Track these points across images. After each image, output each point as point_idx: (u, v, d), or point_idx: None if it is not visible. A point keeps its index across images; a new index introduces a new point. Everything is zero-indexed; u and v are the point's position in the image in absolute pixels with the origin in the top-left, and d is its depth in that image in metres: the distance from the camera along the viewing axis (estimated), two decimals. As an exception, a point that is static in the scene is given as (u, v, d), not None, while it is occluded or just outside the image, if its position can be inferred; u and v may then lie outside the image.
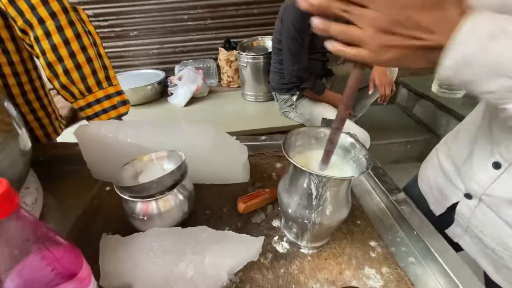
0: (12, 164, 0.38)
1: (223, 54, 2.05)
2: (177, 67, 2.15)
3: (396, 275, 0.41)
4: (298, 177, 0.38)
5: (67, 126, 0.83)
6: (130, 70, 2.23)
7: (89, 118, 0.59)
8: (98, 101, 0.57)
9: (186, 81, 1.99)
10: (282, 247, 0.45)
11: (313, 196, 0.36)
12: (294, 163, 0.35)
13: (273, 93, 1.58)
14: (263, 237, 0.43)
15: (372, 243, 0.47)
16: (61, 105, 1.01)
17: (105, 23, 2.04)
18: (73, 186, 0.58)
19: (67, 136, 0.75)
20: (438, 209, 0.52)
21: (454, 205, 0.47)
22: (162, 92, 2.10)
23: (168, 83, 2.08)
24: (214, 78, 2.29)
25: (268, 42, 1.91)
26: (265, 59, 1.72)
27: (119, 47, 2.14)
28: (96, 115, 0.58)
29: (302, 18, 1.11)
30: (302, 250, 0.44)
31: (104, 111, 0.58)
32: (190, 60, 2.22)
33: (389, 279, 0.41)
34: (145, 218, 0.42)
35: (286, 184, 0.41)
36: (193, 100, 1.98)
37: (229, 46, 2.04)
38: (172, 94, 2.01)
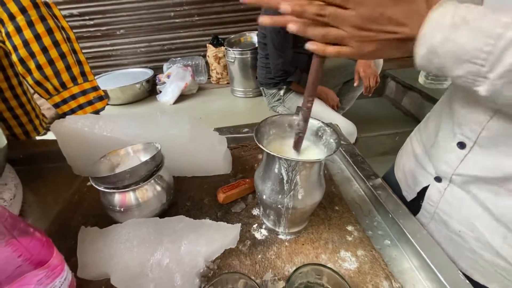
0: None
1: (211, 50, 2.04)
2: (165, 65, 2.14)
3: (371, 257, 0.42)
4: (270, 164, 0.38)
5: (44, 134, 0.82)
6: (118, 69, 2.22)
7: (65, 114, 0.58)
8: (73, 97, 0.57)
9: (174, 78, 1.98)
10: (260, 234, 0.46)
11: (285, 181, 0.37)
12: (264, 149, 0.35)
13: (261, 88, 1.58)
14: (240, 224, 0.43)
15: (349, 228, 0.48)
16: (48, 106, 0.99)
17: (91, 22, 2.01)
18: (54, 183, 0.58)
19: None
20: (409, 195, 0.53)
21: (424, 192, 0.49)
22: (151, 91, 2.09)
23: (157, 81, 2.07)
24: (203, 75, 2.29)
25: (255, 38, 1.91)
26: (252, 54, 1.72)
27: (106, 46, 2.12)
28: (72, 111, 0.58)
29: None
30: (280, 236, 0.45)
31: (80, 107, 0.58)
32: (179, 58, 2.21)
33: (364, 261, 0.42)
34: (122, 209, 0.42)
35: (261, 171, 0.42)
36: (182, 97, 1.98)
37: (217, 42, 2.04)
38: (160, 92, 2.00)
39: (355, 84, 1.35)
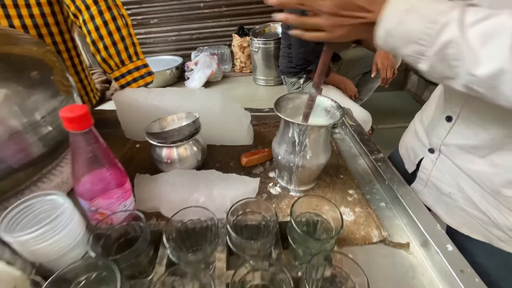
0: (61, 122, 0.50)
1: (236, 40, 2.13)
2: (193, 53, 2.26)
3: (366, 213, 0.51)
4: (285, 129, 0.47)
5: (96, 106, 0.96)
6: (150, 56, 2.36)
7: (122, 87, 0.71)
8: (129, 72, 0.69)
9: (201, 66, 2.09)
10: (275, 190, 0.56)
11: (296, 143, 0.46)
12: (282, 116, 0.45)
13: (282, 77, 1.65)
14: (259, 179, 0.53)
15: (351, 191, 0.56)
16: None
17: (128, 12, 2.15)
18: (109, 145, 0.70)
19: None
20: (410, 167, 0.61)
21: (419, 164, 0.56)
22: (179, 77, 2.21)
23: (185, 68, 2.19)
24: (228, 64, 2.38)
25: (279, 28, 1.97)
26: (276, 44, 1.79)
27: (141, 34, 2.26)
28: (128, 83, 0.70)
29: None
30: (291, 193, 0.55)
31: (134, 80, 0.70)
32: (206, 47, 2.31)
33: (360, 216, 0.50)
34: (168, 161, 0.53)
35: (278, 137, 0.51)
36: (208, 84, 2.09)
37: (242, 32, 2.12)
38: (188, 78, 2.12)
39: (372, 75, 1.39)
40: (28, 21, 0.63)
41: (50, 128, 0.45)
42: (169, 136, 0.51)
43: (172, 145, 0.53)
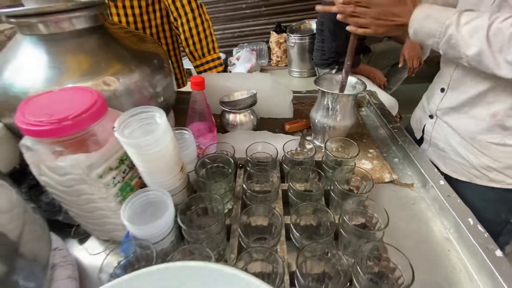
0: (170, 96, 0.69)
1: (274, 37, 2.28)
2: (235, 50, 2.45)
3: (382, 164, 0.65)
4: (322, 99, 0.63)
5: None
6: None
7: (200, 73, 0.91)
8: (207, 62, 0.90)
9: (242, 61, 2.29)
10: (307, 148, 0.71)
11: (330, 109, 0.61)
12: (320, 88, 0.60)
13: (316, 68, 1.78)
14: (299, 137, 0.69)
15: (371, 150, 0.70)
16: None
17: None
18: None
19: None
20: (418, 134, 0.74)
21: (424, 130, 0.70)
22: (223, 71, 2.41)
23: (228, 62, 2.40)
24: (265, 59, 2.54)
25: (313, 25, 2.08)
26: (310, 39, 1.91)
27: (190, 33, 2.51)
28: (205, 70, 0.91)
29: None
30: (323, 150, 0.70)
31: (210, 68, 0.91)
32: (246, 43, 2.49)
33: (376, 166, 0.64)
34: (235, 123, 0.71)
35: (315, 106, 0.66)
36: (248, 76, 2.28)
37: (279, 29, 2.26)
38: (231, 72, 2.33)
39: (399, 65, 1.46)
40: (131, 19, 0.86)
41: (162, 99, 0.65)
42: (235, 105, 0.69)
43: (237, 111, 0.71)
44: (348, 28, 0.56)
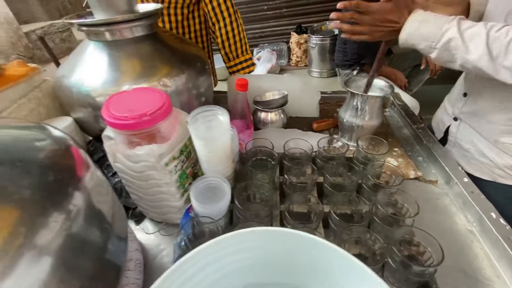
0: (210, 96, 0.76)
1: (294, 37, 2.31)
2: (255, 50, 2.51)
3: (406, 162, 0.68)
4: (351, 99, 0.67)
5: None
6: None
7: (233, 72, 0.98)
8: (240, 63, 0.96)
9: (263, 61, 2.33)
10: (338, 145, 0.76)
11: (358, 109, 0.66)
12: (349, 89, 0.64)
13: (336, 69, 1.80)
14: (327, 134, 0.74)
15: (396, 149, 0.73)
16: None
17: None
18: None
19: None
20: (439, 135, 0.76)
21: (447, 131, 0.72)
22: (243, 70, 2.50)
23: (249, 62, 2.46)
24: (284, 59, 2.58)
25: (334, 26, 2.10)
26: (331, 40, 1.93)
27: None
28: (238, 71, 0.97)
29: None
30: (351, 148, 0.74)
31: (242, 68, 0.97)
32: (266, 44, 2.54)
33: (401, 163, 0.68)
34: (266, 121, 0.77)
35: (344, 106, 0.71)
36: (268, 76, 2.33)
37: (300, 30, 2.29)
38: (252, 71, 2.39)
39: (421, 67, 1.47)
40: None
41: (204, 98, 0.71)
42: (268, 104, 0.74)
43: (269, 110, 0.76)
44: (342, 35, 0.60)
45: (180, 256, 0.40)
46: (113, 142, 0.44)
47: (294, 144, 0.63)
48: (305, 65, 2.37)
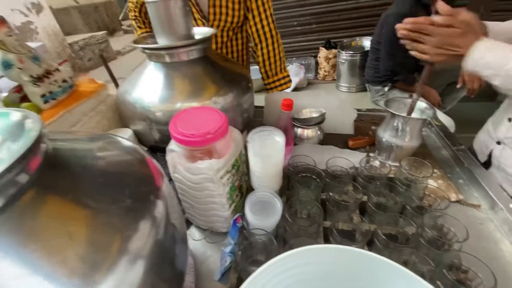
0: (251, 112, 0.80)
1: (323, 52, 2.34)
2: (284, 64, 2.57)
3: (447, 184, 0.67)
4: (391, 119, 0.68)
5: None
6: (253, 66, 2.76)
7: (270, 89, 1.02)
8: (278, 80, 1.00)
9: (291, 74, 2.38)
10: (375, 163, 0.76)
11: (399, 130, 0.66)
12: (390, 110, 0.66)
13: (367, 85, 1.80)
14: (365, 153, 0.75)
15: (435, 170, 0.73)
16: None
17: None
18: (253, 126, 1.01)
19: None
20: (482, 158, 0.75)
21: (490, 154, 0.71)
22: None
23: (277, 76, 2.52)
24: (312, 72, 2.61)
25: (364, 42, 2.11)
26: (362, 56, 1.94)
27: (242, 48, 2.69)
28: (275, 87, 1.02)
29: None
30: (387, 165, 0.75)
31: (280, 85, 1.01)
32: (294, 58, 2.59)
33: (441, 185, 0.67)
34: (302, 137, 0.79)
35: (383, 126, 0.72)
36: (296, 89, 2.36)
37: (329, 46, 2.32)
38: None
39: (458, 86, 1.43)
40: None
41: (246, 115, 0.75)
42: (306, 121, 0.77)
43: (306, 127, 0.79)
44: (411, 52, 0.61)
45: (232, 262, 0.44)
46: (175, 155, 0.49)
47: (334, 161, 0.66)
48: (332, 79, 2.38)
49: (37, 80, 0.51)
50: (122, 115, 0.70)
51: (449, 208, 0.62)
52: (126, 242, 0.27)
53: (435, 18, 0.55)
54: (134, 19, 1.07)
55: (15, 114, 0.26)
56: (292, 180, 0.54)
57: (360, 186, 0.56)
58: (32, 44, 0.62)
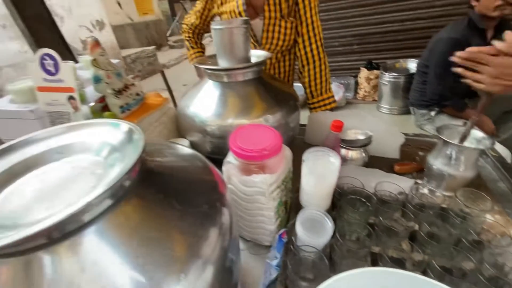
0: (296, 130, 0.83)
1: (364, 73, 2.32)
2: (322, 82, 2.59)
3: (505, 220, 0.63)
4: (443, 147, 0.66)
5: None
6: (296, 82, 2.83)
7: (314, 108, 1.04)
8: (323, 100, 1.02)
9: (329, 93, 2.39)
10: (424, 191, 0.74)
11: (452, 158, 0.64)
12: (442, 137, 0.64)
13: (411, 108, 1.74)
14: (414, 180, 0.73)
15: (487, 203, 0.68)
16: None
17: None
18: (293, 145, 1.04)
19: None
20: None
21: None
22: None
23: (315, 94, 2.54)
24: (350, 92, 2.59)
25: (409, 64, 2.05)
26: (406, 79, 1.89)
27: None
28: (319, 107, 1.04)
29: (451, 52, 1.28)
30: (437, 194, 0.71)
31: (324, 105, 1.03)
32: (333, 77, 2.60)
33: (499, 220, 0.63)
34: (347, 158, 0.79)
35: (434, 153, 0.70)
36: (333, 109, 2.35)
37: (370, 66, 2.30)
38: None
39: (516, 114, 1.33)
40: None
41: (292, 132, 0.78)
42: (351, 143, 0.77)
43: (351, 148, 0.79)
44: (465, 80, 0.59)
45: (278, 275, 0.45)
46: (231, 167, 0.53)
47: (381, 185, 0.65)
48: (373, 100, 2.33)
49: (118, 93, 0.59)
50: (181, 126, 0.76)
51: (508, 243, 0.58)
52: (201, 246, 0.30)
53: (498, 45, 0.54)
54: (187, 40, 1.18)
55: (124, 126, 0.31)
56: (341, 201, 0.54)
57: (411, 214, 0.55)
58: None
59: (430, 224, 0.51)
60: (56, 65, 0.48)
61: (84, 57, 0.85)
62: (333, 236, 0.46)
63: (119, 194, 0.28)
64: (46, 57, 0.47)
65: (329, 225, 0.45)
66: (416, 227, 0.53)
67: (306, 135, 1.00)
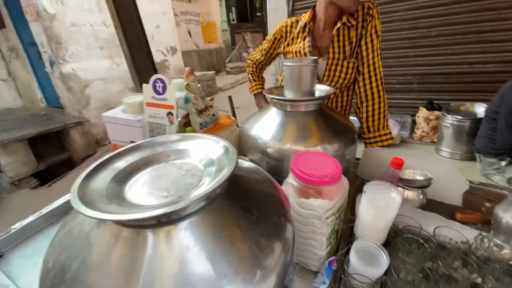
0: (351, 162, 0.85)
1: (423, 112, 2.21)
2: (375, 118, 2.53)
3: None
4: (516, 200, 0.61)
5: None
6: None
7: (370, 143, 1.05)
8: (380, 135, 1.03)
9: (383, 130, 2.32)
10: (490, 245, 0.68)
11: (527, 213, 0.59)
12: (516, 190, 0.60)
13: (477, 155, 1.60)
14: (478, 231, 0.68)
15: None
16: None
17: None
18: (348, 178, 1.04)
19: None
20: None
21: None
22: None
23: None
24: (406, 131, 2.47)
25: (477, 108, 1.91)
26: (472, 123, 1.76)
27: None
28: (375, 142, 1.04)
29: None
30: (505, 251, 0.65)
31: (381, 141, 1.03)
32: (389, 114, 2.53)
33: None
34: (403, 198, 0.78)
35: (504, 205, 0.65)
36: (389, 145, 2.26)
37: (431, 107, 2.19)
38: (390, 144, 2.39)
39: None
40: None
41: (346, 164, 0.80)
42: (410, 182, 0.76)
43: (409, 188, 0.77)
44: None
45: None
46: (290, 188, 0.58)
47: (440, 230, 0.62)
48: (431, 141, 2.19)
49: (200, 112, 0.70)
50: (243, 145, 0.84)
51: None
52: (270, 255, 0.34)
53: None
54: (251, 73, 1.32)
55: (222, 142, 0.39)
56: (397, 238, 0.54)
57: (474, 265, 0.52)
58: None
59: (496, 279, 0.47)
60: (164, 87, 0.60)
61: (176, 80, 1.01)
62: (387, 272, 0.47)
63: (212, 197, 0.35)
64: (158, 81, 0.60)
65: (384, 259, 0.46)
66: (479, 280, 0.50)
67: (359, 169, 1.00)
